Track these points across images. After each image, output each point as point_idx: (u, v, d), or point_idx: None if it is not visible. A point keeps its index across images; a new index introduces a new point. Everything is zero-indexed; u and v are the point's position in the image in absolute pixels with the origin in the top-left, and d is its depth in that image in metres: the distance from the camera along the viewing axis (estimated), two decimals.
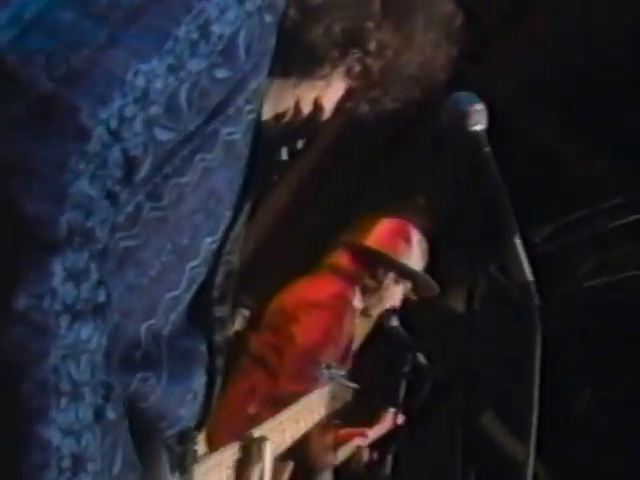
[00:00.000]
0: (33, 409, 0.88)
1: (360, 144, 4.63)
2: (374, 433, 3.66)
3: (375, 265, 3.41)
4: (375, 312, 3.49)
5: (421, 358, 3.55)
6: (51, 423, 0.88)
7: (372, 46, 1.35)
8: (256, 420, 1.90)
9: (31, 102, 0.92)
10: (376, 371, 3.36)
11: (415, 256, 3.50)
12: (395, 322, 3.51)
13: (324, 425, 3.08)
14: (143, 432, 1.09)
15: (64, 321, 0.90)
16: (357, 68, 1.39)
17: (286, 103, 1.39)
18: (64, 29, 0.98)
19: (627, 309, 5.36)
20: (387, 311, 3.50)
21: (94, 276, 0.94)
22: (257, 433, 1.70)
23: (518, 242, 1.71)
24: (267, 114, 1.33)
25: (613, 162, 4.87)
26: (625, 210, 5.27)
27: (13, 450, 0.88)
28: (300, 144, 1.53)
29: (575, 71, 4.37)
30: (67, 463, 0.89)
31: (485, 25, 4.32)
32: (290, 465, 1.82)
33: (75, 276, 0.91)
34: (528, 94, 4.48)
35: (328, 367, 2.60)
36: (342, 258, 3.44)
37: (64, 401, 0.90)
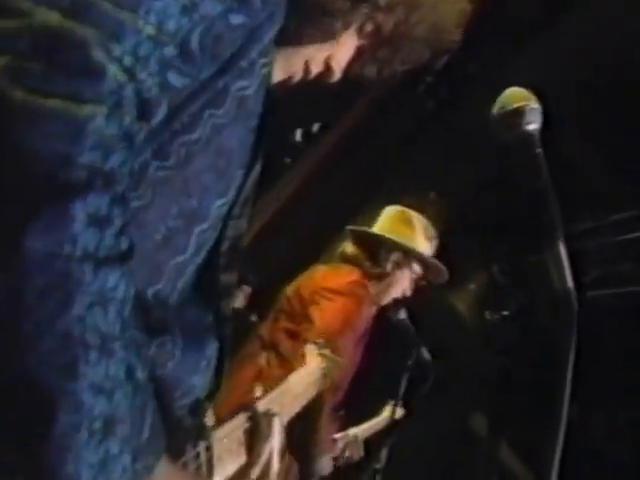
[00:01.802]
0: (59, 366, 0.81)
1: (377, 137, 4.60)
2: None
3: (375, 248, 3.40)
4: (384, 299, 3.46)
5: (425, 353, 3.53)
6: (81, 379, 0.82)
7: (382, 1, 1.30)
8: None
9: (36, 36, 0.84)
10: (380, 362, 3.34)
11: (419, 240, 3.47)
12: (403, 315, 3.49)
13: (330, 414, 3.08)
14: (158, 401, 1.00)
15: (88, 267, 0.83)
16: (368, 27, 1.34)
17: (296, 63, 1.34)
18: None
19: (626, 322, 5.36)
20: (395, 303, 3.48)
21: (117, 222, 0.88)
22: (262, 406, 1.67)
23: (562, 248, 1.68)
24: (278, 76, 1.27)
25: (624, 175, 4.85)
26: (633, 224, 5.26)
27: (45, 412, 0.80)
28: (316, 127, 1.48)
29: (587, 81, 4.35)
30: (98, 425, 0.83)
31: (517, 28, 4.28)
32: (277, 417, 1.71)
33: (98, 221, 0.85)
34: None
35: (316, 343, 2.57)
36: (347, 246, 3.43)
37: (93, 355, 0.83)
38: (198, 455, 1.23)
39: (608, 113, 4.36)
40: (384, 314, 3.51)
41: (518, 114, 1.64)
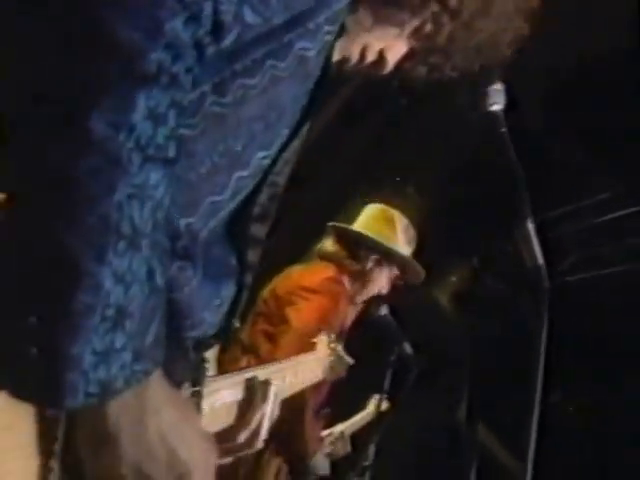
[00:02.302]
0: (93, 244, 0.85)
1: (353, 134, 4.60)
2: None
3: (356, 247, 3.38)
4: (360, 298, 3.45)
5: (407, 348, 3.53)
6: (107, 265, 0.85)
7: (452, 3, 1.33)
8: None
9: None
10: (362, 358, 3.33)
11: (400, 241, 3.46)
12: (384, 311, 3.48)
13: (315, 413, 3.07)
14: (168, 324, 1.02)
15: (136, 159, 0.87)
16: (428, 28, 1.37)
17: (355, 47, 1.38)
18: None
19: (607, 307, 5.38)
20: (376, 299, 3.47)
21: (171, 124, 0.91)
22: (261, 375, 1.68)
23: (531, 226, 1.67)
24: (335, 55, 1.30)
25: (598, 158, 4.87)
26: (610, 206, 5.28)
27: (66, 284, 0.84)
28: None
29: (563, 64, 4.36)
30: (110, 312, 0.86)
31: None
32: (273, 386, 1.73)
33: (155, 117, 0.88)
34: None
35: (329, 336, 2.57)
36: (330, 245, 3.42)
37: (122, 245, 0.86)
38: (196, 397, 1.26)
39: (583, 94, 4.37)
40: (365, 311, 3.50)
41: (483, 95, 1.64)
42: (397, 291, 3.53)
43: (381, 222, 3.46)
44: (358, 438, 3.65)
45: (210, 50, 0.98)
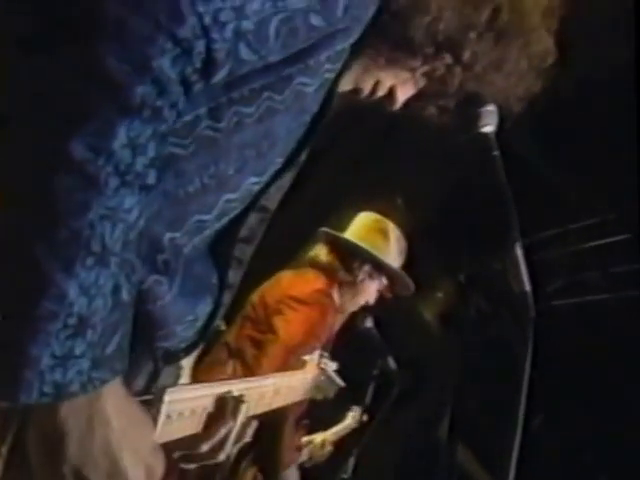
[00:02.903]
0: (62, 257, 0.89)
1: (345, 141, 4.60)
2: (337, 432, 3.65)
3: (351, 258, 3.34)
4: (349, 308, 3.43)
5: (391, 362, 3.54)
6: (73, 277, 0.89)
7: (466, 56, 1.37)
8: None
9: None
10: (345, 370, 3.33)
11: (392, 252, 3.43)
12: (370, 323, 3.48)
13: (294, 424, 3.06)
14: (139, 333, 1.09)
15: (113, 183, 0.91)
16: (440, 72, 1.40)
17: (367, 81, 1.42)
18: None
19: (591, 331, 5.39)
20: (362, 311, 3.46)
21: (150, 154, 0.95)
22: (236, 390, 1.65)
23: (520, 251, 1.68)
24: (347, 85, 1.35)
25: (588, 182, 4.89)
26: (598, 232, 5.30)
27: (33, 290, 0.88)
28: None
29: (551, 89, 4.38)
30: (72, 321, 0.91)
31: None
32: (254, 423, 1.72)
33: (134, 146, 0.92)
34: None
35: (322, 355, 2.56)
36: (321, 252, 3.38)
37: (90, 260, 0.91)
38: (150, 402, 1.27)
39: (572, 120, 4.39)
40: (351, 322, 3.49)
41: (476, 117, 1.63)
42: (383, 303, 3.52)
43: (375, 232, 3.43)
44: (338, 450, 3.65)
45: (198, 86, 1.01)
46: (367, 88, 1.43)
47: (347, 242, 3.38)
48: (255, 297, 3.20)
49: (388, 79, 1.43)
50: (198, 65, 0.98)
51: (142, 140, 0.93)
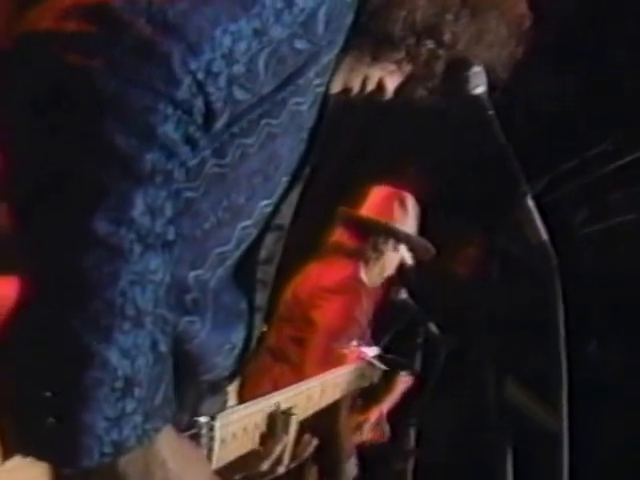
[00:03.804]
0: (99, 327, 0.93)
1: (350, 123, 4.60)
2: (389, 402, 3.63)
3: (375, 236, 3.34)
4: (377, 282, 3.42)
5: (433, 328, 3.54)
6: (113, 343, 0.94)
7: (447, 38, 1.40)
8: None
9: (129, 43, 0.96)
10: (390, 345, 3.34)
11: (410, 220, 3.45)
12: (404, 294, 3.49)
13: (348, 408, 3.08)
14: (182, 372, 1.13)
15: (137, 249, 0.95)
16: (424, 57, 1.43)
17: (356, 79, 1.45)
18: None
19: (624, 253, 5.37)
20: (393, 284, 3.47)
21: (168, 214, 0.99)
22: (284, 400, 1.75)
23: (531, 202, 1.69)
24: (337, 87, 1.38)
25: (597, 112, 4.86)
26: (613, 155, 5.27)
27: (74, 367, 0.93)
28: None
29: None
30: (120, 384, 0.95)
31: None
32: (313, 441, 1.85)
33: (152, 211, 0.96)
34: None
35: (360, 345, 2.59)
36: (342, 235, 3.37)
37: (127, 325, 0.95)
38: (204, 432, 1.35)
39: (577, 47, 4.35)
40: (385, 297, 3.50)
41: (464, 80, 1.64)
42: (410, 272, 3.52)
43: (393, 204, 3.42)
44: (397, 423, 3.67)
45: (203, 141, 1.05)
46: (356, 86, 1.46)
47: (368, 221, 3.38)
48: (287, 295, 3.21)
49: (375, 73, 1.46)
50: (200, 121, 1.01)
51: (159, 203, 0.97)
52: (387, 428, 3.63)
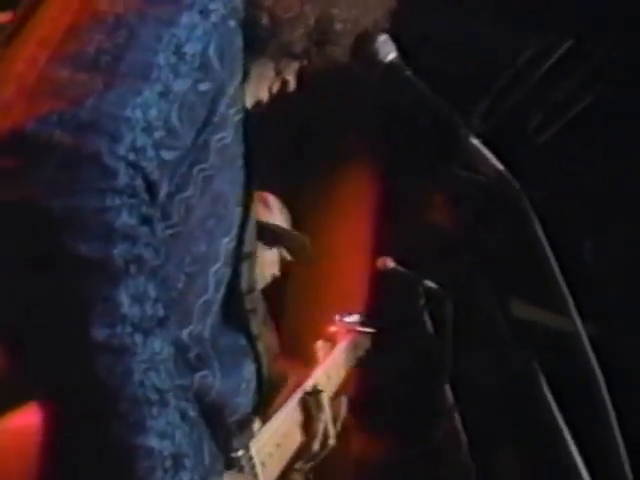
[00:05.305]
0: (132, 424, 0.99)
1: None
2: None
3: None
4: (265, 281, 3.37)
5: (431, 284, 3.54)
6: (150, 431, 1.00)
7: (338, 28, 1.44)
8: None
9: (56, 160, 0.99)
10: (397, 319, 3.35)
11: (276, 216, 3.37)
12: (391, 263, 3.50)
13: None
14: (211, 423, 1.19)
15: (138, 339, 1.00)
16: (322, 50, 1.48)
17: (263, 90, 1.50)
18: (64, 87, 1.05)
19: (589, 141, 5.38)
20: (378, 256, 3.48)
21: (152, 294, 1.03)
22: (308, 387, 1.86)
23: (475, 141, 1.69)
24: (249, 103, 1.41)
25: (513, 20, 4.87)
26: (544, 55, 5.28)
27: (125, 464, 0.99)
28: None
29: None
30: (169, 463, 1.01)
31: None
32: (344, 400, 2.00)
33: (138, 299, 1.01)
34: None
35: (341, 318, 2.60)
36: None
37: (155, 410, 1.01)
38: (244, 463, 1.40)
39: None
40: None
41: (374, 52, 1.65)
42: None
43: (257, 204, 3.39)
44: (428, 386, 3.67)
45: (157, 215, 1.09)
46: (265, 96, 1.50)
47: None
48: None
49: (277, 76, 1.50)
50: (147, 198, 1.05)
51: (141, 289, 1.02)
52: None
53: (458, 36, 4.83)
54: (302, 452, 1.78)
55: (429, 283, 3.49)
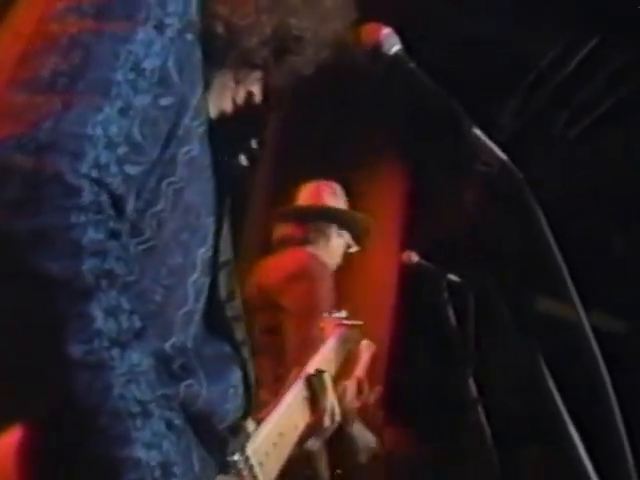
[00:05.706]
0: (116, 437, 0.99)
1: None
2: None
3: (314, 219, 3.39)
4: (332, 265, 3.40)
5: (453, 277, 3.57)
6: (135, 443, 1.00)
7: (295, 36, 1.44)
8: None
9: (18, 185, 1.00)
10: (419, 314, 3.37)
11: (341, 203, 3.51)
12: (415, 257, 3.54)
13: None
14: (199, 430, 1.20)
15: (116, 353, 1.01)
16: (282, 60, 1.47)
17: (225, 101, 1.48)
18: (22, 111, 1.05)
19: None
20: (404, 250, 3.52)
21: (126, 307, 1.04)
22: (311, 369, 1.98)
23: (478, 132, 1.72)
24: (212, 114, 1.40)
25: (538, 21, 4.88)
26: (566, 57, 5.28)
27: (113, 476, 0.99)
28: (254, 144, 1.59)
29: None
30: (158, 472, 1.02)
31: None
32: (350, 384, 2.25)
33: (112, 313, 1.02)
34: None
35: (328, 315, 2.63)
36: (285, 229, 3.42)
37: (139, 421, 1.01)
38: (242, 466, 1.42)
39: None
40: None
41: (378, 45, 1.69)
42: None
43: (322, 192, 3.50)
44: (451, 379, 3.68)
45: (124, 227, 1.10)
46: (228, 106, 1.48)
47: (302, 208, 3.47)
48: (252, 289, 3.19)
49: (241, 91, 1.50)
50: (113, 213, 1.06)
51: (114, 303, 1.03)
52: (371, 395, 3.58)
53: (490, 37, 4.85)
54: (313, 428, 1.88)
55: (452, 276, 3.52)
